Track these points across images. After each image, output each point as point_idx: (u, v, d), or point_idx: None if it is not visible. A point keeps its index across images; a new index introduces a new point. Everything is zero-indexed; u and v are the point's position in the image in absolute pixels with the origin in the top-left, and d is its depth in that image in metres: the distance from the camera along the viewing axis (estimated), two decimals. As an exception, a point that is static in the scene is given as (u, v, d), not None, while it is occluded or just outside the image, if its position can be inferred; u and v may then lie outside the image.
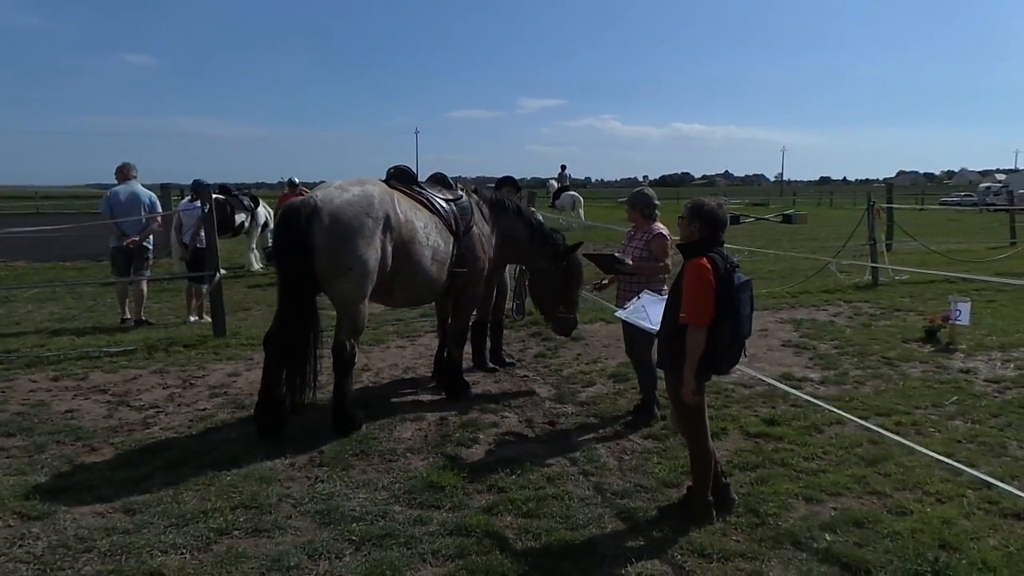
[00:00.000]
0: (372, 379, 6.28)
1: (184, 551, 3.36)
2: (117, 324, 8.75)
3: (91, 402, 5.60)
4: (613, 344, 7.37)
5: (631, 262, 5.05)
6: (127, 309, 8.89)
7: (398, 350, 7.30)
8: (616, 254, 5.15)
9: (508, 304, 6.85)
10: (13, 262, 15.25)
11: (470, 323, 6.04)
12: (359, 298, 4.83)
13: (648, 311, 4.58)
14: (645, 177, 45.45)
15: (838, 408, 4.94)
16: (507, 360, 6.69)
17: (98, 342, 7.57)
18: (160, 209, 8.92)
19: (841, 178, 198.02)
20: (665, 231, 5.15)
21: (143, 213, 8.65)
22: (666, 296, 4.69)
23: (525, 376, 6.38)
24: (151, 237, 8.89)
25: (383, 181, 5.30)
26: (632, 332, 4.93)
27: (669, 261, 5.09)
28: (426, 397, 5.78)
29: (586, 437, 4.90)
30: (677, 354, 3.58)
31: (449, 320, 5.95)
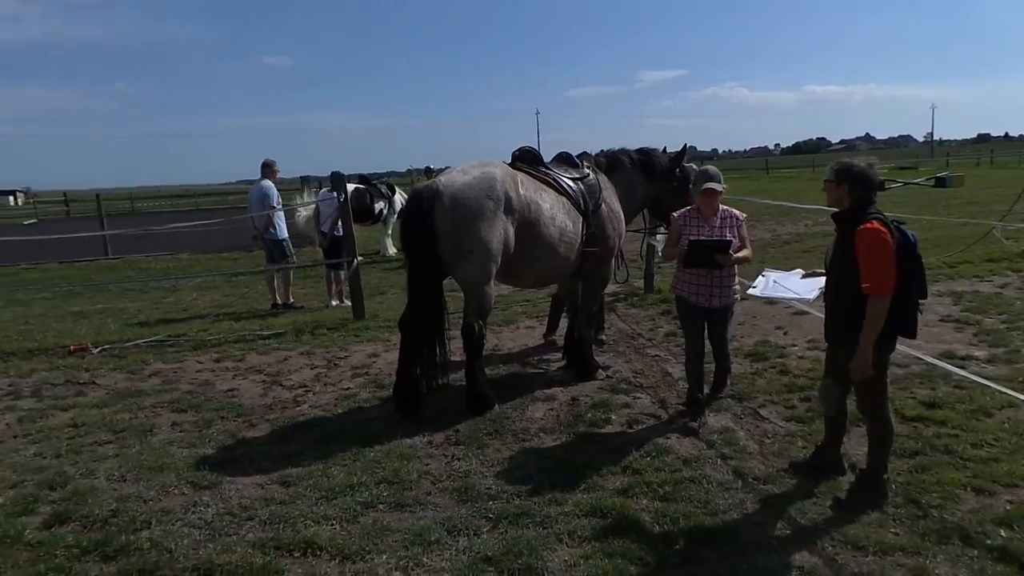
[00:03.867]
0: (503, 359, 6.38)
1: (334, 522, 3.56)
2: (268, 309, 9.43)
3: (249, 381, 6.05)
4: (748, 322, 7.06)
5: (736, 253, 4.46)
6: (276, 295, 9.56)
7: (527, 330, 7.37)
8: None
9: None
10: (179, 254, 16.79)
11: (600, 302, 5.99)
12: (484, 280, 4.89)
13: (787, 284, 4.31)
14: (777, 145, 43.18)
15: (1010, 389, 4.45)
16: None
17: (252, 326, 8.17)
18: (272, 202, 9.39)
19: (1002, 134, 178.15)
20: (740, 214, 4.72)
21: (262, 207, 9.26)
22: (796, 270, 4.43)
23: (656, 356, 6.24)
24: (280, 227, 9.46)
25: (508, 163, 5.33)
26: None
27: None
28: (558, 376, 5.80)
29: (723, 419, 4.73)
30: (853, 327, 3.37)
31: (578, 300, 5.91)
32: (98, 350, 7.20)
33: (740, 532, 3.35)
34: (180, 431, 4.93)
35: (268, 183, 9.46)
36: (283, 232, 9.58)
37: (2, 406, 5.62)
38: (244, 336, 7.63)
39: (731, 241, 4.44)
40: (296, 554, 3.29)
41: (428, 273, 4.85)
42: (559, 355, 6.23)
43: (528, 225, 5.00)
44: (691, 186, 4.57)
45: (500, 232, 4.83)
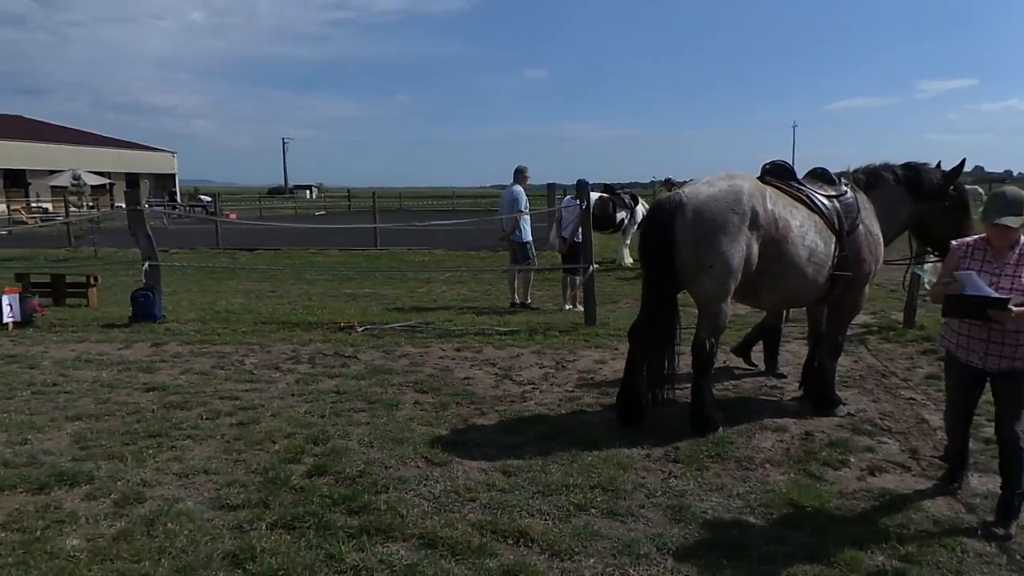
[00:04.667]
0: (732, 381, 6.11)
1: (548, 518, 3.68)
2: (507, 307, 9.99)
3: (483, 372, 6.47)
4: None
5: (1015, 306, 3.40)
6: (515, 294, 10.10)
7: (762, 354, 6.96)
8: (993, 294, 3.46)
9: None
10: (434, 249, 18.42)
11: (846, 332, 5.48)
12: (721, 297, 4.73)
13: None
14: (1101, 168, 35.78)
15: None
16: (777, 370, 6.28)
17: (491, 322, 8.71)
18: (520, 207, 9.90)
19: None
20: None
21: (511, 210, 9.80)
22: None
23: (911, 399, 5.56)
24: (525, 230, 9.95)
25: (758, 177, 5.09)
26: None
27: None
28: (791, 407, 5.42)
29: (992, 481, 4.07)
30: None
31: (822, 327, 5.48)
32: (362, 329, 8.17)
33: (1000, 615, 2.88)
34: (421, 409, 5.42)
35: (519, 188, 10.03)
36: (528, 235, 10.09)
37: (285, 368, 6.61)
38: (483, 330, 8.16)
39: (1008, 299, 3.41)
40: (509, 541, 3.46)
41: (663, 285, 4.80)
42: (796, 384, 5.81)
43: (774, 243, 4.74)
44: (983, 212, 3.71)
45: (742, 248, 4.64)
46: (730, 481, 4.14)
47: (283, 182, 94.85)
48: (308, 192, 78.84)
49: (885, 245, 5.32)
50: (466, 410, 5.40)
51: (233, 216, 31.83)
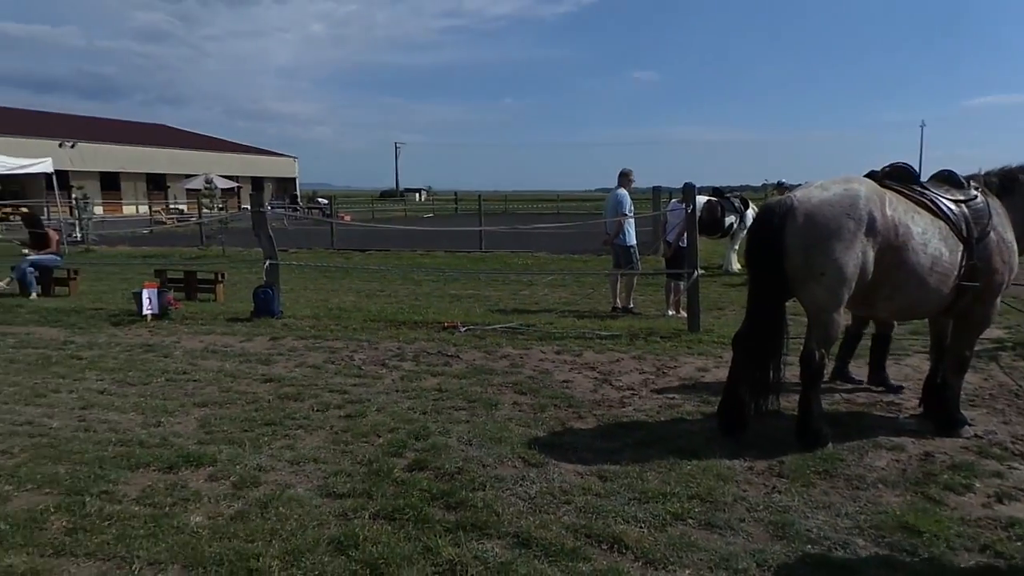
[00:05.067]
0: (845, 395, 5.80)
1: (643, 525, 3.64)
2: (608, 311, 9.92)
3: (582, 376, 6.46)
4: None
5: None
6: (617, 298, 10.02)
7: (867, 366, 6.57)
8: None
9: None
10: (537, 252, 18.54)
11: (974, 347, 5.10)
12: (833, 306, 4.51)
13: None
14: None
15: None
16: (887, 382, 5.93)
17: (592, 326, 8.68)
18: (624, 210, 9.81)
19: None
20: None
21: (615, 214, 9.71)
22: None
23: (1052, 423, 5.09)
24: (629, 233, 9.85)
25: (876, 180, 4.82)
26: None
27: None
28: (909, 425, 5.09)
29: None
30: None
31: (947, 341, 5.11)
32: (464, 329, 8.35)
33: None
34: (519, 410, 5.48)
35: (623, 191, 9.95)
36: (632, 239, 9.99)
37: (391, 364, 6.86)
38: (584, 333, 8.15)
39: None
40: (603, 546, 3.44)
41: (770, 292, 4.64)
42: (916, 400, 5.45)
43: (893, 250, 4.48)
44: None
45: (858, 255, 4.41)
46: (839, 499, 3.94)
47: (395, 185, 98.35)
48: (417, 195, 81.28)
49: (1021, 254, 4.91)
50: (564, 413, 5.42)
51: (347, 218, 33.32)
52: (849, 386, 5.99)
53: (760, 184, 43.62)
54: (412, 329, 8.50)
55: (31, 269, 11.54)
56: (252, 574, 3.20)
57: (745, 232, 13.98)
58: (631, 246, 9.96)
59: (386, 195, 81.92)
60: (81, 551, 3.42)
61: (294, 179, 57.64)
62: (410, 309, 10.12)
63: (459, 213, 45.44)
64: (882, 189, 4.66)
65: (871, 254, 4.44)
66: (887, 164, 5.01)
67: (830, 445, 4.60)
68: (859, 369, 6.19)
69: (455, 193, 65.14)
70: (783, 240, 4.47)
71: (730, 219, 13.80)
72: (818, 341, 4.62)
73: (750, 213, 14.04)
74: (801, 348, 4.71)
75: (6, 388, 6.15)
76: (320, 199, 46.23)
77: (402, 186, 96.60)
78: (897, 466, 4.37)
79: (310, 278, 14.22)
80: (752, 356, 4.71)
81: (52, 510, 3.80)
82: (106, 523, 3.67)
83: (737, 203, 14.15)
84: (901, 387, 5.87)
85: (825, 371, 4.91)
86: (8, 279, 11.66)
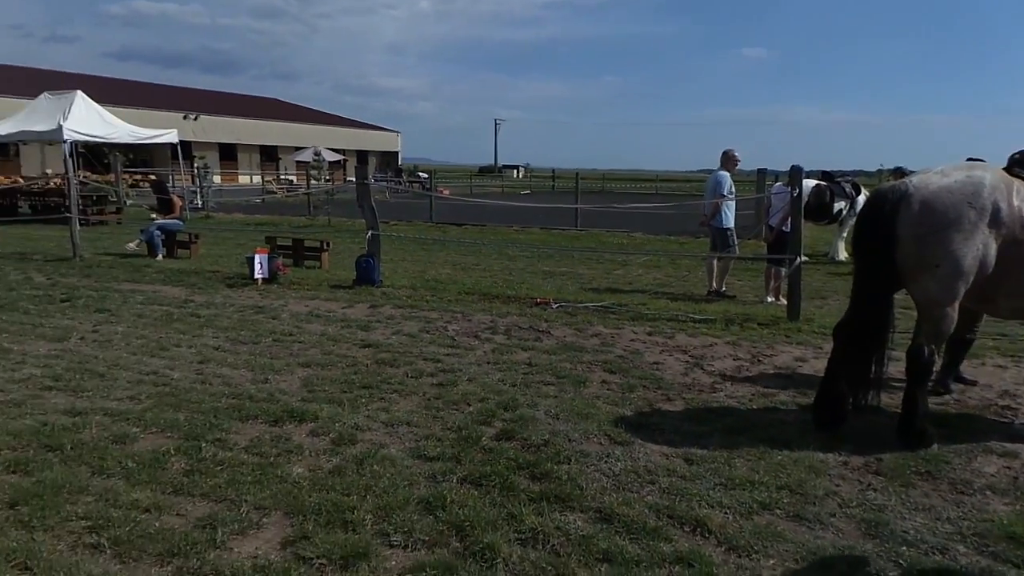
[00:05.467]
0: (955, 396, 5.48)
1: (727, 511, 3.60)
2: (703, 295, 9.72)
3: (673, 359, 6.39)
4: None
5: None
6: (713, 282, 9.79)
7: (995, 369, 6.16)
8: None
9: None
10: (632, 232, 18.30)
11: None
12: (946, 301, 4.26)
13: None
14: None
15: None
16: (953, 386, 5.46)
17: (686, 308, 8.54)
18: (724, 191, 9.51)
19: None
20: None
21: (714, 195, 9.44)
22: None
23: None
24: (727, 216, 9.56)
25: (1004, 169, 4.50)
26: None
27: None
28: (1023, 431, 4.77)
29: None
30: None
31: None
32: (556, 306, 8.40)
33: None
34: (607, 388, 5.50)
35: (724, 173, 9.67)
36: (729, 221, 9.72)
37: (484, 337, 7.02)
38: (677, 316, 8.03)
39: None
40: (686, 529, 3.44)
41: (878, 283, 4.43)
42: (1036, 406, 5.09)
43: (1018, 244, 4.19)
44: None
45: (978, 248, 4.14)
46: (940, 503, 3.76)
47: (493, 162, 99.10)
48: (515, 172, 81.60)
49: None
50: (652, 394, 5.39)
51: (446, 192, 33.91)
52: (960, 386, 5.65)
53: (875, 169, 41.06)
54: (505, 303, 8.63)
55: (158, 232, 12.49)
56: (347, 525, 3.40)
57: (854, 219, 13.30)
58: (728, 229, 9.69)
59: (484, 171, 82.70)
60: (197, 491, 3.74)
61: (397, 153, 59.10)
62: (504, 284, 10.26)
63: (556, 191, 45.36)
64: (1010, 178, 4.34)
65: (993, 247, 4.16)
66: (1016, 151, 4.65)
67: (935, 446, 4.37)
68: (971, 369, 5.82)
69: (553, 171, 64.98)
70: (895, 227, 4.25)
71: (839, 205, 13.11)
72: (928, 336, 4.39)
73: (861, 199, 13.30)
74: (909, 342, 4.48)
75: (135, 340, 6.72)
76: (420, 173, 47.28)
77: (500, 163, 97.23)
78: (1008, 473, 4.12)
79: (408, 250, 14.63)
80: (854, 348, 4.52)
81: (172, 452, 4.16)
82: (218, 468, 3.99)
83: (848, 188, 13.42)
84: (975, 381, 5.54)
85: (934, 369, 4.65)
86: (138, 241, 12.67)
